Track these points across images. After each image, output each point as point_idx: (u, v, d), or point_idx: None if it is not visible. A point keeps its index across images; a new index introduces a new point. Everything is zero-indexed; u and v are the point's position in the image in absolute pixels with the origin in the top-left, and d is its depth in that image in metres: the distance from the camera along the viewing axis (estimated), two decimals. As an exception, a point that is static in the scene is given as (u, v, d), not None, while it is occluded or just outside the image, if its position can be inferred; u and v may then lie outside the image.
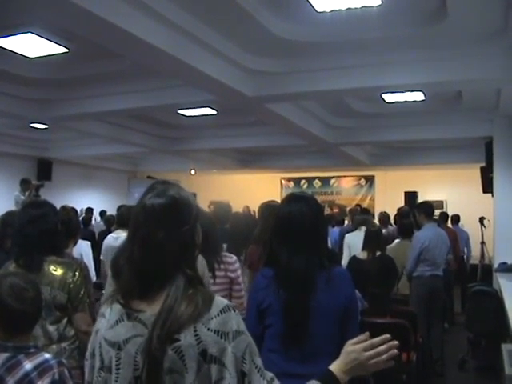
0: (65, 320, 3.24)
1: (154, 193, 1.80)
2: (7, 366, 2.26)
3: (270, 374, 1.77)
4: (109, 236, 6.27)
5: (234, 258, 4.20)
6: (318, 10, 5.79)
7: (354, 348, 1.92)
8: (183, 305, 1.66)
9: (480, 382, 7.08)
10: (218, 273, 4.02)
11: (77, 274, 3.27)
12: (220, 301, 1.74)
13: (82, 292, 3.28)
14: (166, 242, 1.72)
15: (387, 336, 1.90)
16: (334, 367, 1.93)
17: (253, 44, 6.94)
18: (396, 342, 1.89)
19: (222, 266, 4.05)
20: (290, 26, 6.41)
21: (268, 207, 5.28)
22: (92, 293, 3.61)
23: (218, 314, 1.69)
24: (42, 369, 2.27)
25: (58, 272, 3.21)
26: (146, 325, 1.69)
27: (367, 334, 1.93)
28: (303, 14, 6.03)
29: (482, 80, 7.08)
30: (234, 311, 1.73)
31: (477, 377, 7.25)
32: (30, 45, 6.67)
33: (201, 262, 3.05)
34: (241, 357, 1.68)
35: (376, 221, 9.75)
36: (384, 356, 1.87)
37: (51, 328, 3.16)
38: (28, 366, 2.27)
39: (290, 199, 2.88)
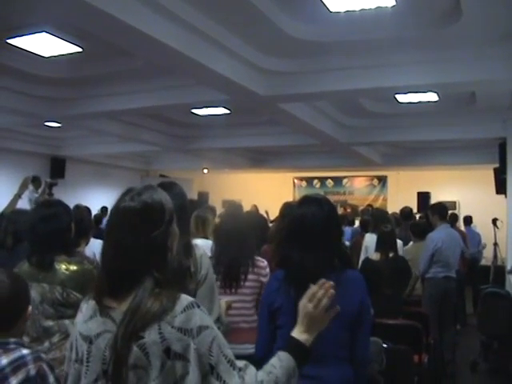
0: None
1: (128, 196, 1.87)
2: None
3: (242, 362, 1.83)
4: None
5: (265, 262, 4.14)
6: (332, 11, 5.78)
7: (302, 304, 2.01)
8: (148, 304, 1.73)
9: (492, 385, 7.06)
10: (250, 276, 4.00)
11: (89, 272, 3.29)
12: (185, 298, 1.80)
13: None
14: (135, 246, 1.79)
15: (323, 280, 2.00)
16: (295, 331, 2.01)
17: (266, 44, 6.94)
18: (331, 283, 1.99)
19: (255, 270, 4.03)
20: (304, 26, 6.41)
21: (287, 207, 5.30)
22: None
23: (182, 312, 1.75)
24: (16, 365, 2.26)
25: (70, 271, 3.22)
26: (115, 321, 1.77)
27: (318, 283, 2.01)
28: (317, 14, 6.02)
29: (496, 81, 7.03)
30: (199, 307, 1.80)
31: (489, 379, 7.21)
32: (45, 44, 6.73)
33: (205, 261, 3.04)
34: (207, 351, 1.74)
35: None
36: (324, 300, 1.97)
37: (67, 322, 3.17)
38: (4, 361, 2.27)
39: (303, 201, 2.88)
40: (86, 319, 1.87)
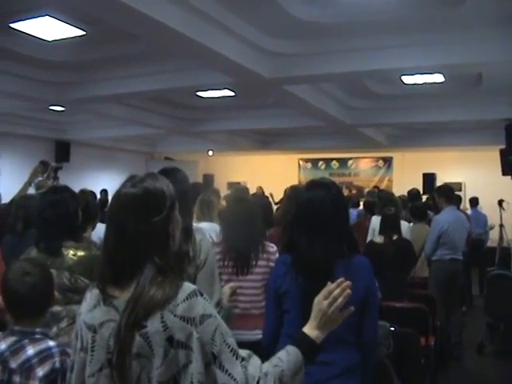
0: None
1: (130, 182, 1.86)
2: (12, 349, 2.34)
3: (245, 352, 1.82)
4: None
5: (275, 247, 4.09)
6: (338, -8, 5.74)
7: (317, 300, 1.99)
8: (151, 292, 1.73)
9: (498, 367, 7.05)
10: (260, 262, 3.96)
11: (96, 258, 3.28)
12: (187, 286, 1.79)
13: None
14: (136, 231, 1.79)
15: (341, 279, 1.99)
16: (306, 327, 1.99)
17: (271, 26, 6.89)
18: (349, 282, 1.98)
19: (264, 255, 3.98)
20: (309, 7, 6.36)
21: (293, 190, 5.28)
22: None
23: (185, 300, 1.74)
24: (43, 356, 2.33)
25: (77, 257, 3.24)
26: (119, 310, 1.77)
27: (336, 282, 2.00)
28: (322, -5, 5.98)
29: (502, 62, 6.98)
30: (202, 295, 1.79)
31: (495, 361, 7.22)
32: (48, 28, 6.68)
33: (205, 245, 3.03)
34: (210, 339, 1.73)
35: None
36: (340, 299, 1.96)
37: (75, 307, 3.17)
38: (30, 351, 2.33)
39: (311, 186, 2.86)
40: (90, 308, 1.87)
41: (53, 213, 3.30)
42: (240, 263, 3.94)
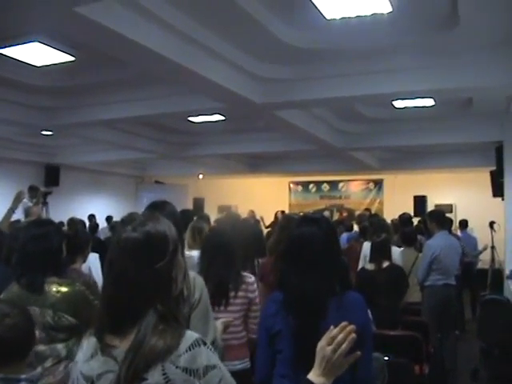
0: (74, 338, 3.16)
1: (130, 226, 1.77)
2: None
3: None
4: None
5: (253, 278, 4.13)
6: (328, 18, 5.73)
7: (320, 346, 1.90)
8: (152, 342, 1.64)
9: (493, 393, 6.99)
10: (239, 293, 3.97)
11: (81, 294, 3.20)
12: (190, 335, 1.71)
13: (89, 311, 3.20)
14: (138, 279, 1.70)
15: (345, 323, 1.89)
16: (311, 374, 1.90)
17: (262, 51, 6.89)
18: (353, 326, 1.89)
19: (243, 286, 3.99)
20: (300, 33, 6.36)
21: (286, 218, 5.27)
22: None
23: (187, 350, 1.66)
24: None
25: (61, 293, 3.12)
26: (118, 361, 1.67)
27: (339, 326, 1.91)
28: (312, 21, 5.97)
29: (492, 87, 6.99)
30: (205, 345, 1.71)
31: (490, 387, 7.15)
32: (37, 54, 6.67)
33: (198, 283, 2.98)
34: None
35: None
36: (344, 345, 1.86)
37: (60, 346, 3.08)
38: None
39: (302, 221, 2.80)
40: (87, 358, 1.76)
41: (35, 247, 3.19)
42: (219, 295, 3.91)
